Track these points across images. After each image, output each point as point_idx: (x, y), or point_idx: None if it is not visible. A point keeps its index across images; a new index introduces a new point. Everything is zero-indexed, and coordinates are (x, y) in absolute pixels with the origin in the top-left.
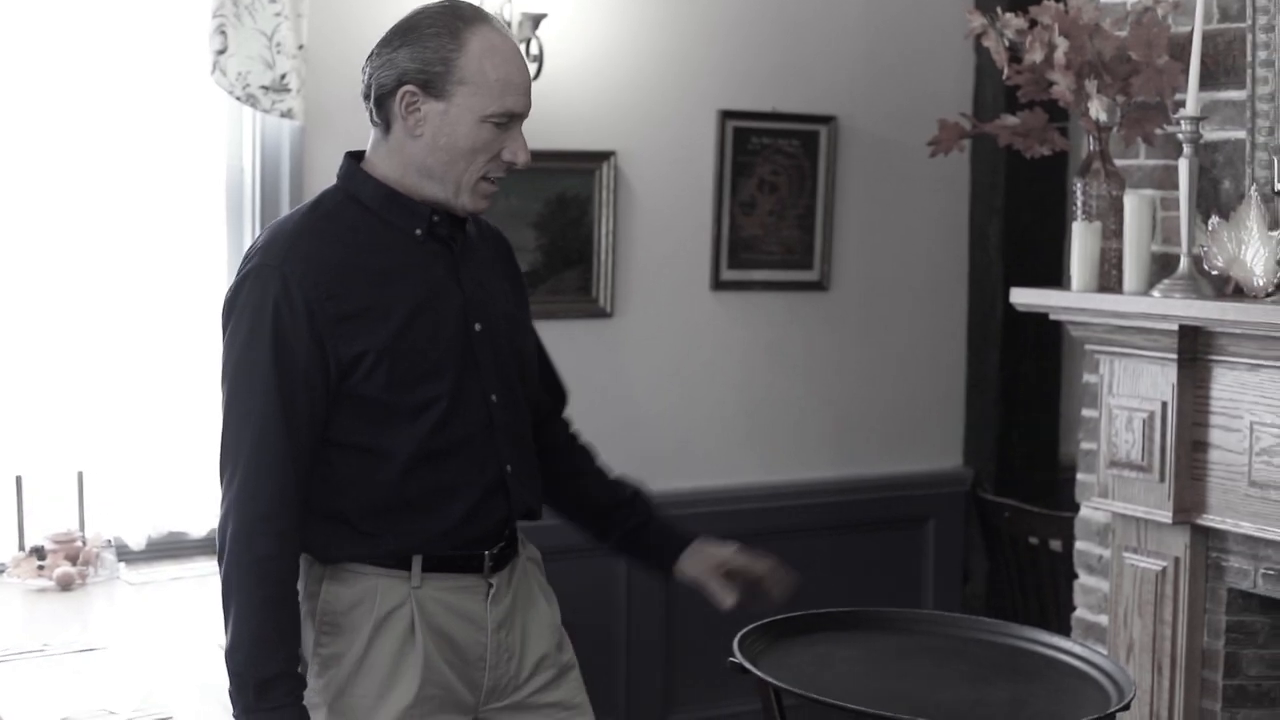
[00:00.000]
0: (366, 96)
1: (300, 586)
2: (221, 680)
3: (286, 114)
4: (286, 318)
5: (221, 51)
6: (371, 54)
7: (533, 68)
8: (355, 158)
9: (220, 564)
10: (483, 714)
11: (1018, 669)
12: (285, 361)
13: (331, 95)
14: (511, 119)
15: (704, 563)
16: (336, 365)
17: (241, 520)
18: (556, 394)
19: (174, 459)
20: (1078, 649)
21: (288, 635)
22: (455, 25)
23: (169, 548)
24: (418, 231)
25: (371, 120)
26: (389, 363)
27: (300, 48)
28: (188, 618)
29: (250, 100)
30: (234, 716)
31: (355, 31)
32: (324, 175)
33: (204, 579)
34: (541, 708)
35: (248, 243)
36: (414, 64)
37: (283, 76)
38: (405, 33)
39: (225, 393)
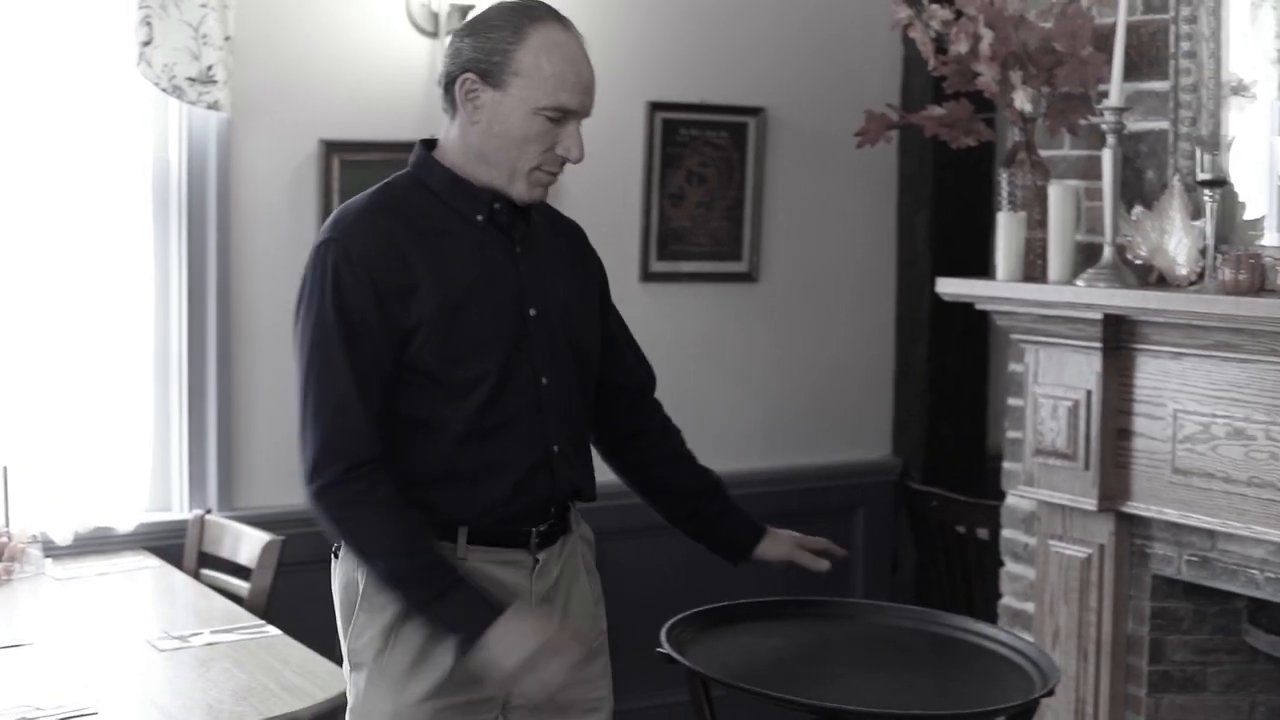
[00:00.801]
0: (439, 84)
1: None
2: (149, 676)
3: (213, 106)
4: (349, 284)
5: (147, 43)
6: (448, 44)
7: None
8: (428, 145)
9: (324, 514)
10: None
11: (943, 656)
12: (351, 321)
13: (259, 87)
14: (565, 115)
15: (785, 545)
16: (397, 333)
17: (330, 473)
18: (641, 379)
19: (100, 454)
20: (1003, 636)
21: (423, 532)
22: (520, 21)
23: (95, 543)
24: (479, 217)
25: (443, 108)
26: (441, 336)
27: (227, 39)
28: (114, 613)
29: (176, 92)
30: (422, 624)
31: (282, 23)
32: (251, 167)
33: (131, 574)
34: (559, 707)
35: (174, 235)
36: (476, 53)
37: (209, 68)
38: (474, 24)
39: (301, 363)
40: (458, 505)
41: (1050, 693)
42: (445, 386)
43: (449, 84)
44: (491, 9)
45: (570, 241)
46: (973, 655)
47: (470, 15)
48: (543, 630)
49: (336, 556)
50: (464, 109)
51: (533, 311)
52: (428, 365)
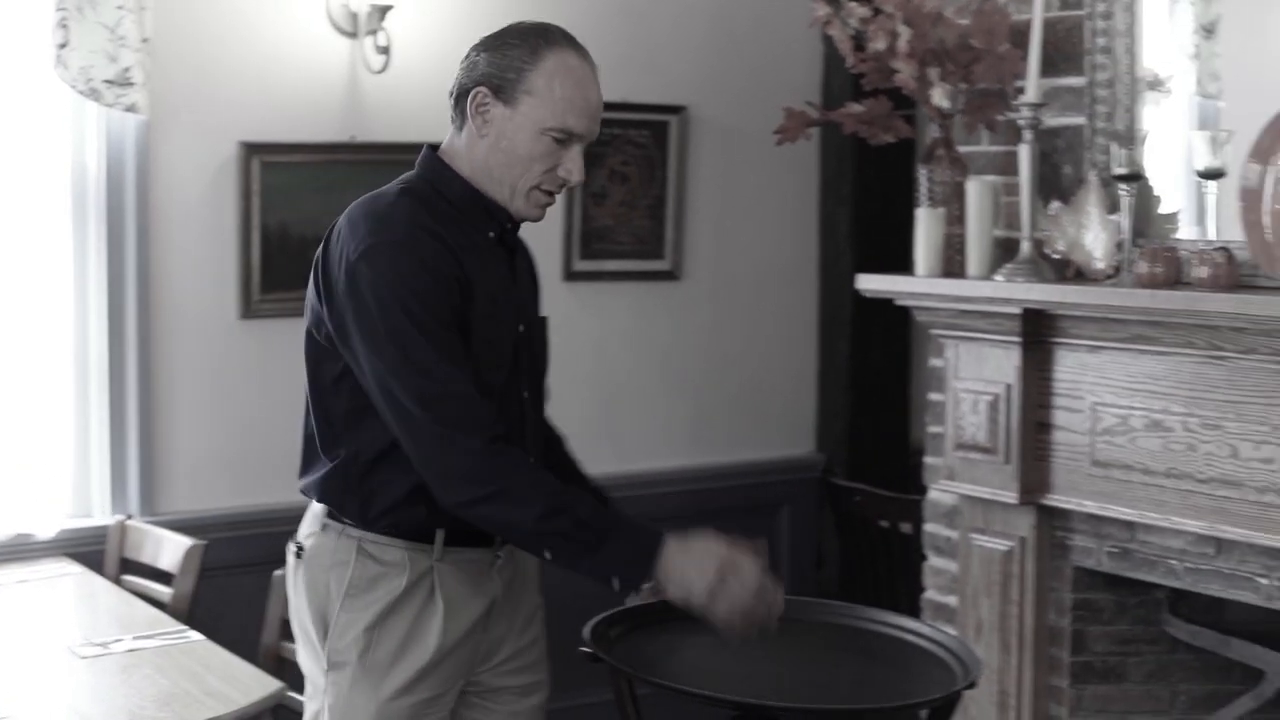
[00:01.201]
0: (451, 94)
1: (329, 554)
2: (70, 685)
3: (131, 108)
4: (425, 282)
5: (63, 45)
6: (464, 57)
7: (380, 60)
8: (434, 149)
9: (458, 495)
10: (476, 676)
11: (865, 650)
12: (438, 310)
13: (177, 89)
14: (571, 137)
15: None
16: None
17: (464, 455)
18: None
19: (20, 461)
20: (925, 629)
21: (561, 487)
22: (537, 43)
23: (15, 550)
24: (490, 234)
25: (451, 118)
26: (477, 342)
27: (144, 41)
28: (35, 621)
29: (93, 94)
30: (581, 566)
31: (200, 24)
32: (170, 170)
33: (52, 581)
34: (503, 689)
35: (93, 237)
36: (491, 68)
37: (126, 70)
38: (492, 41)
39: (399, 362)
40: (441, 512)
41: (972, 685)
42: None
43: (461, 95)
44: (511, 27)
45: (528, 259)
46: (895, 649)
47: (495, 33)
48: (716, 554)
49: (299, 556)
50: (473, 121)
51: (521, 328)
52: None
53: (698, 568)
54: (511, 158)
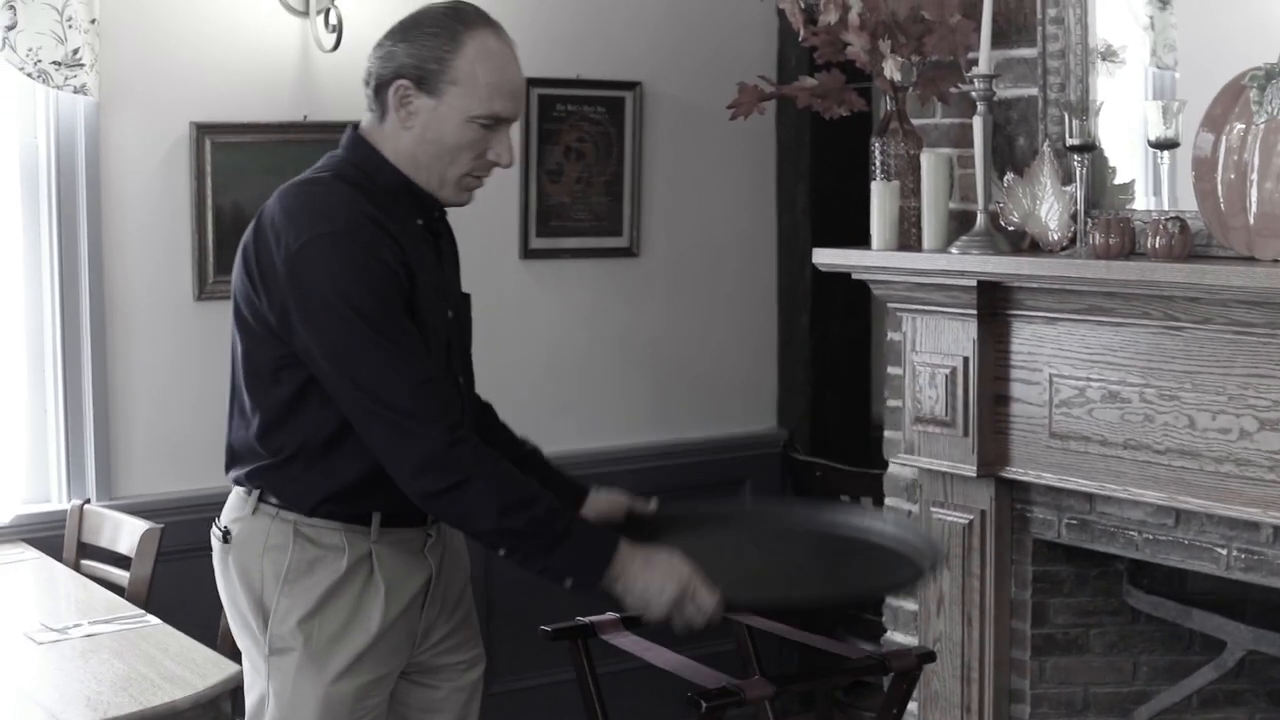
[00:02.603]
0: (366, 83)
1: (260, 539)
2: (28, 671)
3: (80, 90)
4: (378, 271)
5: (11, 27)
6: (377, 44)
7: (330, 38)
8: (356, 128)
9: (423, 485)
10: (415, 658)
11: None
12: (392, 299)
13: (126, 70)
14: (498, 122)
15: (608, 508)
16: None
17: (435, 441)
18: None
19: None
20: (889, 529)
21: (525, 481)
22: (455, 28)
23: None
24: (419, 222)
25: (369, 106)
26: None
27: (93, 22)
28: None
29: (42, 76)
30: (545, 570)
31: (149, 5)
32: (120, 152)
33: (9, 566)
34: (444, 666)
35: (44, 221)
36: (410, 60)
37: (75, 52)
38: (408, 29)
39: (360, 354)
40: (381, 495)
41: (930, 658)
42: None
43: (380, 86)
44: (424, 12)
45: (450, 239)
46: (859, 546)
47: (407, 20)
48: (677, 576)
49: (226, 542)
50: (396, 114)
51: (450, 314)
52: None
53: (659, 586)
54: (440, 148)
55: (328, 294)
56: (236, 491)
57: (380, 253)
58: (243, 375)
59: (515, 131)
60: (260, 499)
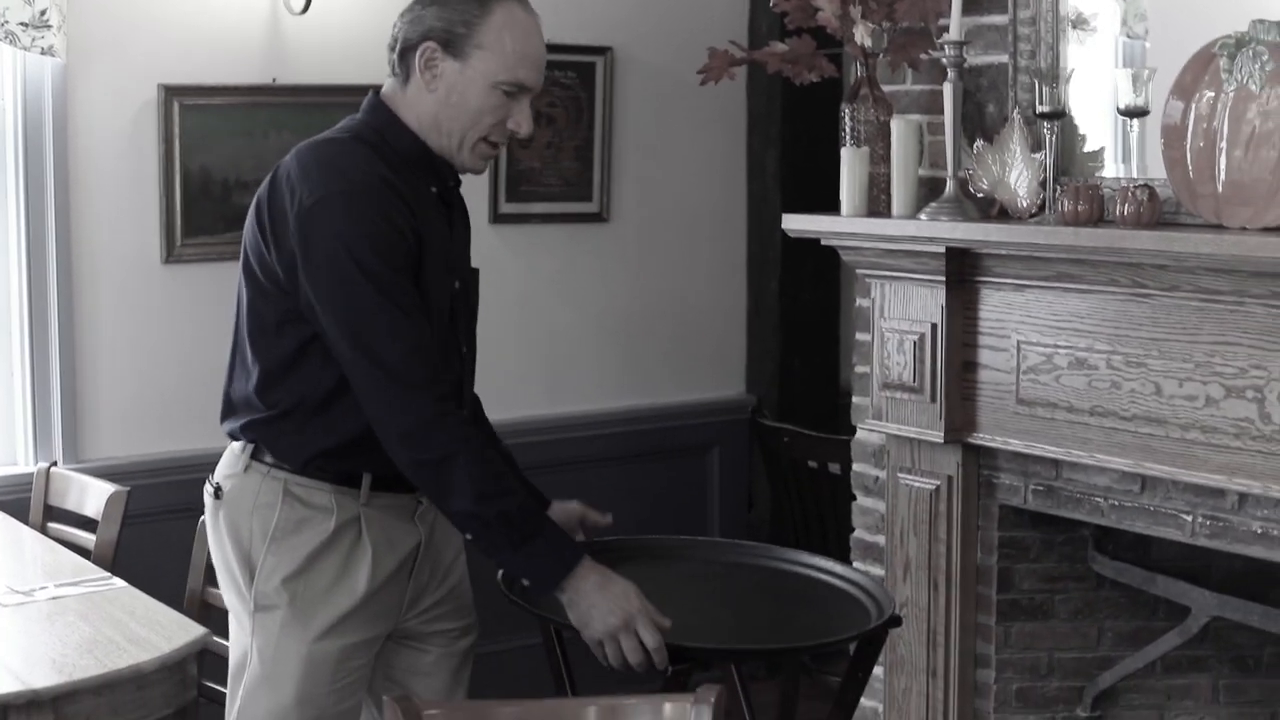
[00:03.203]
0: (392, 48)
1: (250, 496)
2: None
3: (48, 51)
4: (384, 232)
5: None
6: (405, 9)
7: (300, 1)
8: (376, 93)
9: (411, 452)
10: (402, 622)
11: (784, 591)
12: (397, 262)
13: (95, 31)
14: (521, 90)
15: (563, 518)
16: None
17: (426, 411)
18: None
19: None
20: (843, 570)
21: (502, 471)
22: None
23: None
24: (433, 189)
25: (392, 71)
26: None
27: None
28: None
29: (9, 38)
30: (505, 564)
31: None
32: (89, 113)
33: None
34: (434, 634)
35: (11, 183)
36: (439, 23)
37: (43, 13)
38: None
39: (367, 315)
40: (373, 458)
41: (895, 623)
42: None
43: (407, 50)
44: None
45: (463, 211)
46: (813, 589)
47: None
48: (626, 607)
49: (218, 498)
50: (421, 76)
51: (457, 284)
52: None
53: (606, 610)
54: (462, 111)
55: (336, 251)
56: (231, 448)
57: (391, 215)
58: (247, 328)
59: None
60: (253, 456)
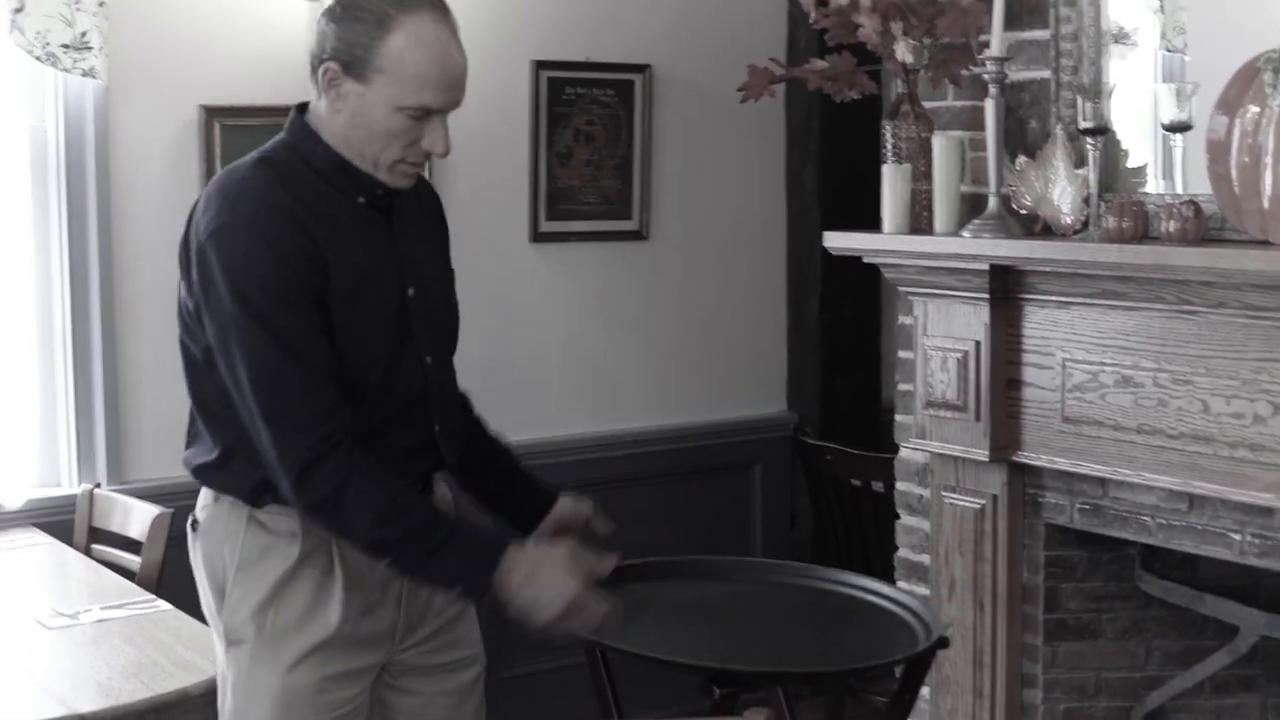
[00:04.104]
0: (308, 60)
1: (222, 526)
2: (38, 657)
3: (89, 73)
4: (274, 270)
5: (19, 10)
6: (317, 19)
7: None
8: (301, 110)
9: (312, 501)
10: (395, 654)
11: (830, 612)
12: (284, 295)
13: (135, 52)
14: (429, 113)
15: (570, 515)
16: (318, 312)
17: (306, 459)
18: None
19: None
20: (890, 591)
21: (402, 489)
22: (386, 12)
23: None
24: (360, 199)
25: (310, 81)
26: (342, 321)
27: (101, 4)
28: (2, 592)
29: (50, 60)
30: (427, 579)
31: None
32: (130, 134)
33: (20, 551)
34: (431, 667)
35: (53, 203)
36: (339, 42)
37: (83, 34)
38: (344, 7)
39: (237, 353)
40: None
41: (943, 644)
42: (339, 370)
43: (313, 65)
44: None
45: (430, 210)
46: (860, 610)
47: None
48: (565, 592)
49: (194, 530)
50: (326, 96)
51: (411, 291)
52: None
53: (544, 602)
54: (369, 134)
55: (220, 284)
56: None
57: (281, 245)
58: (184, 364)
59: (524, 114)
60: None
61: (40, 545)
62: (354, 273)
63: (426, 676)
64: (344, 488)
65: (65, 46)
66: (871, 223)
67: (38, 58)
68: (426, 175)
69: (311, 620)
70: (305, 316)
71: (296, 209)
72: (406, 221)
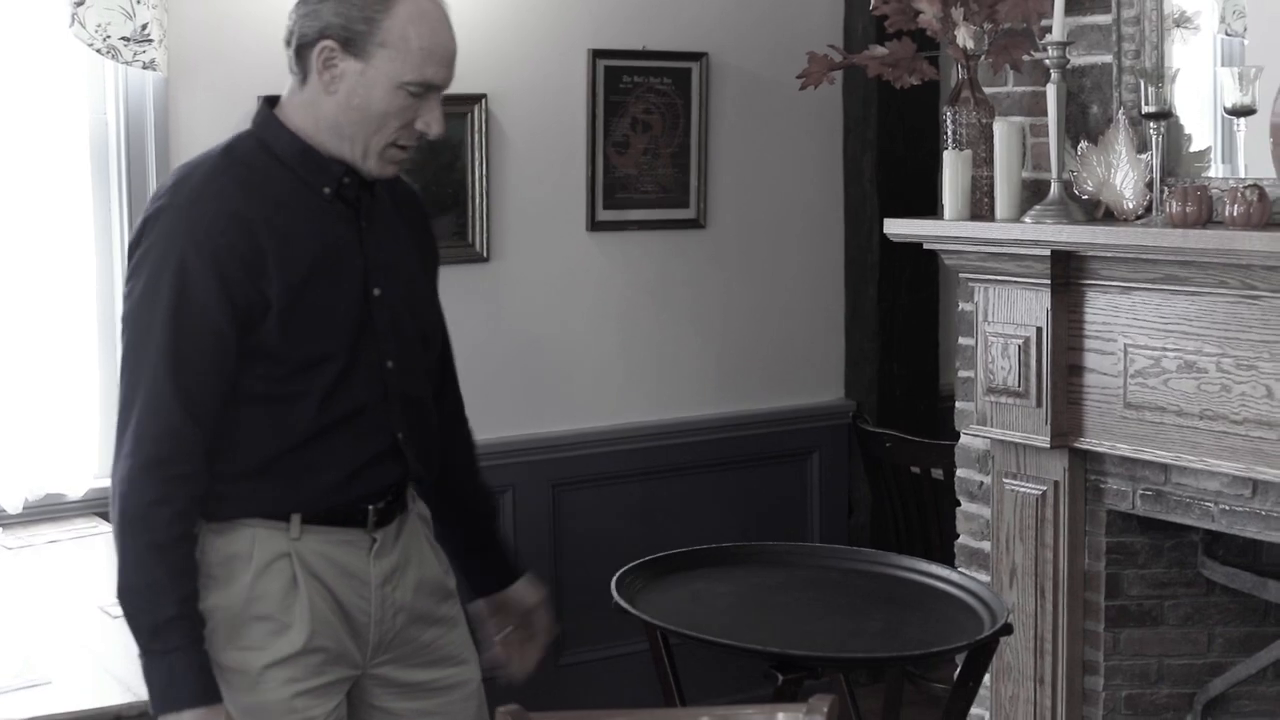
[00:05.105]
0: (288, 43)
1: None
2: (103, 644)
3: (149, 65)
4: (193, 264)
5: (80, 3)
6: (300, 1)
7: None
8: (270, 103)
9: (111, 512)
10: (370, 669)
11: (894, 598)
12: (185, 308)
13: (195, 45)
14: (429, 89)
15: (516, 605)
16: (241, 313)
17: (130, 466)
18: (450, 372)
19: (48, 420)
20: (954, 577)
21: (180, 578)
22: None
23: (46, 510)
24: (326, 190)
25: (290, 69)
26: (285, 317)
27: None
28: (67, 580)
29: (111, 52)
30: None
31: None
32: (190, 127)
33: (83, 540)
34: (414, 685)
35: (114, 197)
36: (338, 19)
37: (144, 27)
38: None
39: (123, 339)
40: (293, 491)
41: (1001, 632)
42: (288, 369)
43: (302, 47)
44: None
45: (411, 214)
46: (923, 596)
47: None
48: None
49: None
50: (319, 77)
51: (377, 291)
52: (271, 347)
53: None
54: (365, 115)
55: (135, 277)
56: None
57: (211, 238)
58: None
59: (580, 103)
60: None
61: (102, 534)
62: (305, 263)
63: (406, 694)
64: (123, 532)
65: (126, 39)
66: (928, 210)
67: (99, 51)
68: (481, 171)
69: (276, 634)
70: (213, 326)
71: (241, 199)
72: (379, 222)
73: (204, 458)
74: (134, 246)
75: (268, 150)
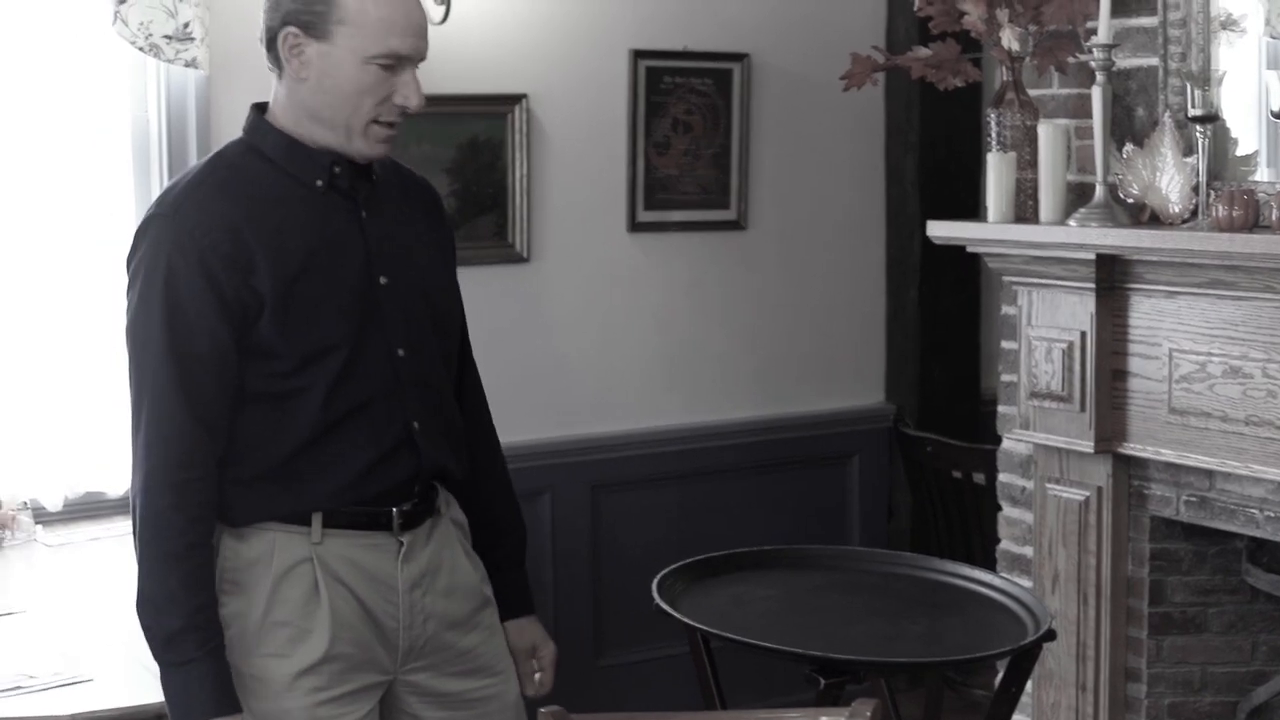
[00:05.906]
0: (261, 41)
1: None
2: (142, 642)
3: (191, 63)
4: (180, 269)
5: (122, 2)
6: None
7: (439, 10)
8: (260, 109)
9: (132, 521)
10: (403, 676)
11: (936, 603)
12: (178, 313)
13: (237, 43)
14: (399, 61)
15: (517, 642)
16: (234, 312)
17: (143, 475)
18: (472, 376)
19: (89, 418)
20: (997, 581)
21: (195, 588)
22: None
23: (87, 508)
24: (318, 182)
25: (269, 67)
26: (282, 312)
27: None
28: (107, 578)
29: (153, 50)
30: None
31: None
32: (232, 125)
33: (123, 539)
34: (447, 695)
35: (156, 194)
36: (295, 4)
37: (186, 25)
38: None
39: (128, 350)
40: (309, 490)
41: (1044, 638)
42: (291, 364)
43: (271, 40)
44: None
45: (425, 205)
46: (965, 601)
47: None
48: None
49: None
50: (289, 66)
51: (384, 280)
52: (271, 344)
53: None
54: (338, 96)
55: (133, 286)
56: None
57: (196, 244)
58: None
59: (621, 103)
60: None
61: None
62: (299, 257)
63: (441, 704)
64: (143, 541)
65: (168, 37)
66: (969, 211)
67: (141, 49)
68: (522, 172)
69: (299, 640)
70: (212, 331)
71: (228, 203)
72: (383, 210)
73: (214, 461)
74: (128, 260)
75: (255, 152)
